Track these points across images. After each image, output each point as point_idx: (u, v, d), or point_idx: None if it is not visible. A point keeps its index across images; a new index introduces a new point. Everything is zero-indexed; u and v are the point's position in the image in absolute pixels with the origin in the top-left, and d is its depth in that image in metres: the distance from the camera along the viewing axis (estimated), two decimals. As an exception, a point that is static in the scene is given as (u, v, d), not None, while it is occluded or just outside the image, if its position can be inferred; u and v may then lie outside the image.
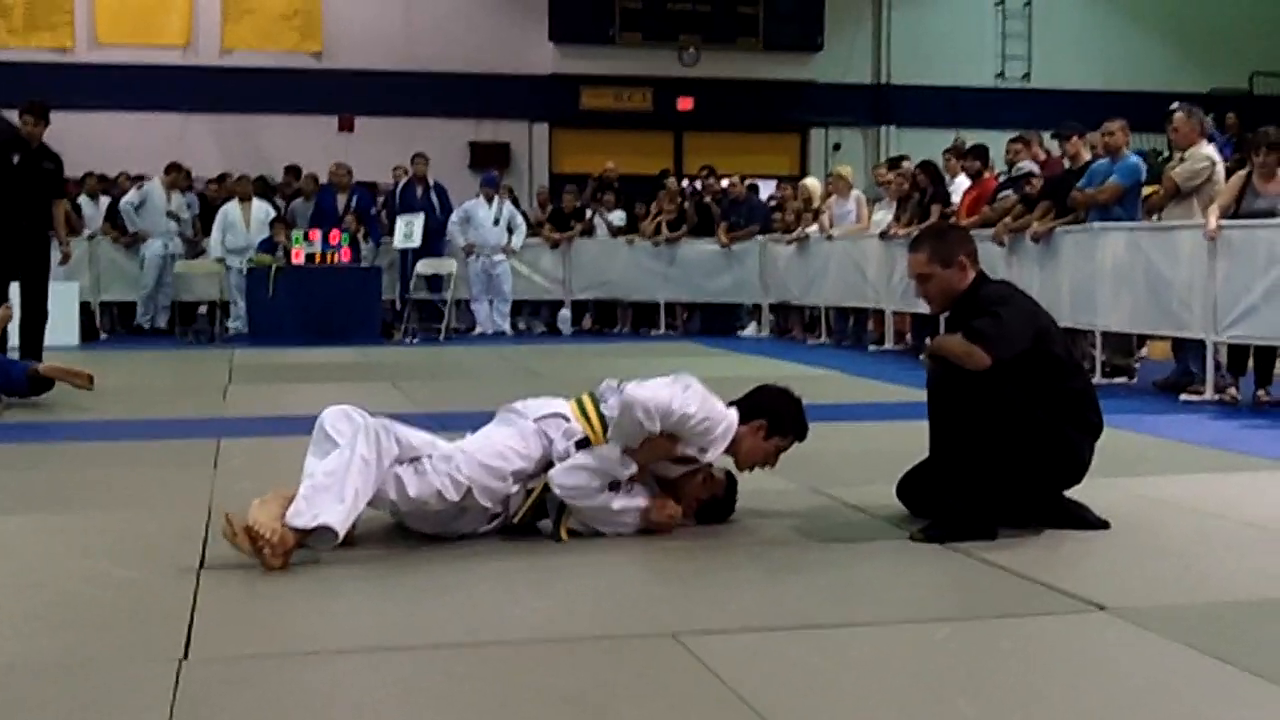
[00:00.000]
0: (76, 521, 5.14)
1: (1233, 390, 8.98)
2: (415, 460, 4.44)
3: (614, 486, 4.61)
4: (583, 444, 4.62)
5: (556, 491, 4.56)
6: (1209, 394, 9.02)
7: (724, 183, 17.21)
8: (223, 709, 2.95)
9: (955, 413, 4.60)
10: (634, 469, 4.62)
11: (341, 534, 4.19)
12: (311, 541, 4.17)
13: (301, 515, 4.16)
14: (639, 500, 4.68)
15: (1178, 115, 9.97)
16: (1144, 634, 3.55)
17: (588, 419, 4.68)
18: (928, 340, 4.94)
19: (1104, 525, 4.78)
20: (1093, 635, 3.57)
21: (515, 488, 4.57)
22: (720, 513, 4.90)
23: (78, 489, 5.85)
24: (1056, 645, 3.49)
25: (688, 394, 4.62)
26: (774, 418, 4.83)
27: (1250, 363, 9.14)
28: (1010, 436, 4.54)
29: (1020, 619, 3.72)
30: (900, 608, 3.86)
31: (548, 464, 4.60)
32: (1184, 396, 9.10)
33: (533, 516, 4.63)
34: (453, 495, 4.43)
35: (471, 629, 3.62)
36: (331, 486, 4.21)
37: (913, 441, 7.12)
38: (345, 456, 4.27)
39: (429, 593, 3.97)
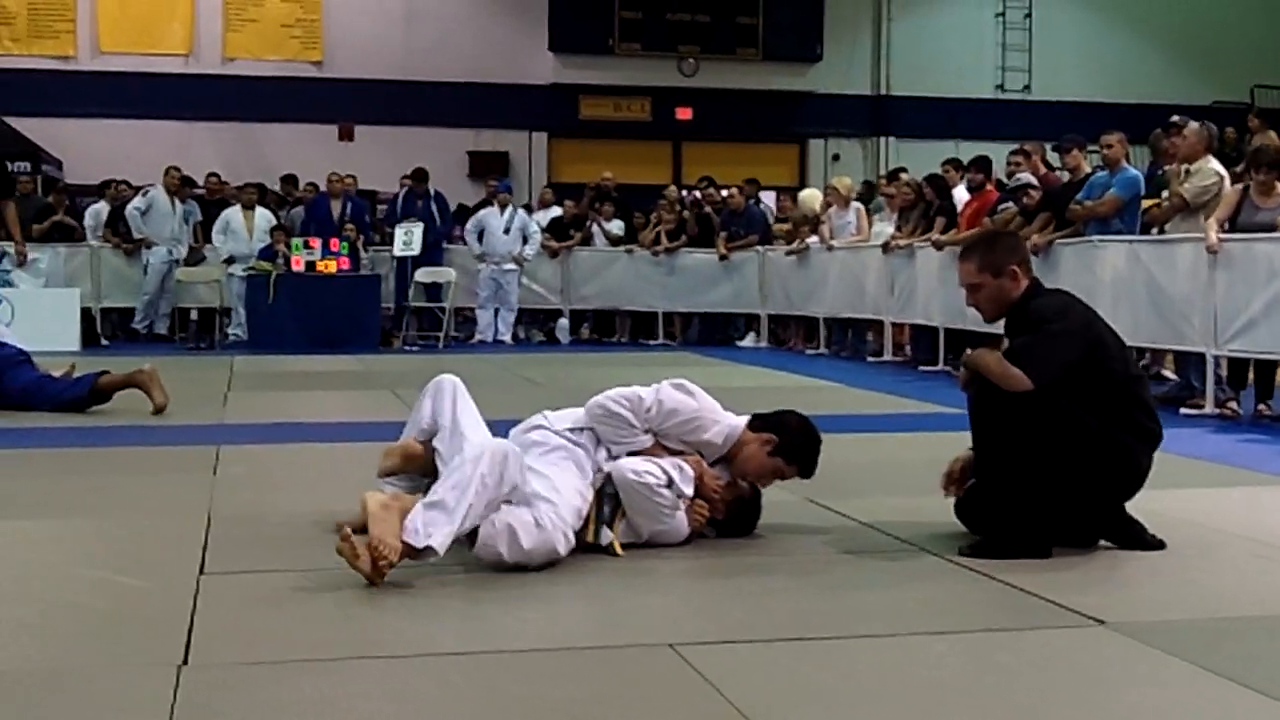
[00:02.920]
0: (75, 527, 5.14)
1: (1233, 404, 8.98)
2: (531, 505, 4.31)
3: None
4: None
5: (629, 476, 4.53)
6: (1209, 408, 9.01)
7: (724, 193, 17.17)
8: (221, 715, 2.95)
9: (1000, 427, 4.52)
10: (690, 490, 4.63)
11: (442, 554, 4.10)
12: (414, 555, 4.09)
13: (417, 535, 4.06)
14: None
15: (1191, 126, 9.91)
16: (1144, 649, 3.55)
17: None
18: (967, 350, 4.81)
19: (1160, 545, 4.69)
20: (1092, 650, 3.57)
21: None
22: (745, 523, 4.87)
23: (77, 495, 5.84)
24: (1055, 660, 3.49)
25: (674, 392, 4.70)
26: (786, 439, 4.80)
27: (1250, 376, 9.14)
28: (1061, 447, 4.44)
29: (1019, 633, 3.72)
30: (899, 620, 3.86)
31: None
32: (1184, 410, 9.09)
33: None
34: (562, 552, 4.35)
35: (468, 638, 3.62)
36: (450, 507, 4.10)
37: (913, 453, 7.15)
38: (468, 474, 4.14)
39: (427, 601, 3.96)
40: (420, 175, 16.84)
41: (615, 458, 4.65)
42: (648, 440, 4.68)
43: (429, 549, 4.06)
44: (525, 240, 16.51)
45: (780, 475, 4.85)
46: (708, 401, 4.81)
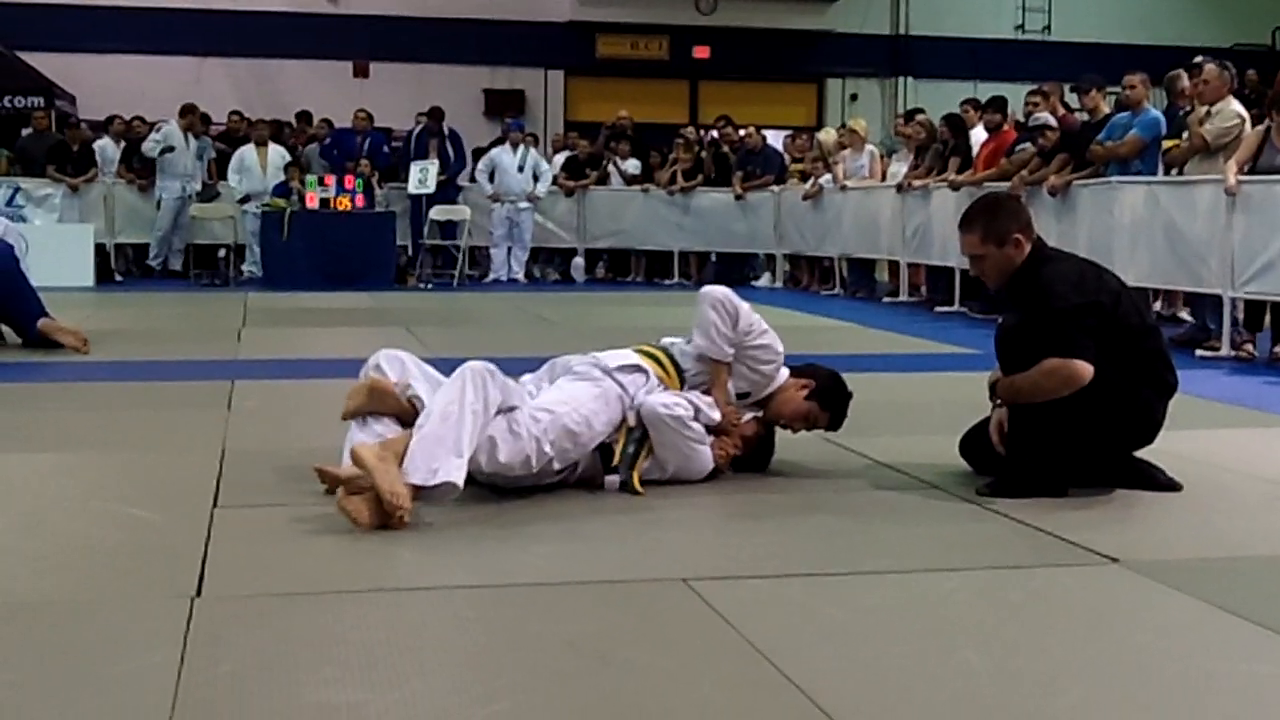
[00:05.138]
0: (88, 461, 5.16)
1: (1249, 346, 8.94)
2: (511, 411, 4.30)
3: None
4: None
5: (660, 410, 4.54)
6: (1225, 350, 8.98)
7: (740, 133, 17.04)
8: (235, 646, 2.96)
9: (1027, 370, 4.50)
10: (718, 416, 4.69)
11: (461, 487, 4.06)
12: (428, 496, 4.04)
13: (419, 471, 4.00)
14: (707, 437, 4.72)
15: (1209, 68, 9.79)
16: (1156, 586, 3.55)
17: (665, 370, 4.74)
18: (993, 380, 4.71)
19: (1176, 487, 4.68)
20: (1104, 587, 3.57)
21: (591, 454, 4.57)
22: (759, 460, 4.93)
23: (90, 429, 5.86)
24: (1067, 597, 3.49)
25: (757, 316, 4.82)
26: (823, 386, 4.92)
27: (1267, 319, 9.10)
28: (1083, 398, 4.40)
29: (1032, 570, 3.72)
30: (911, 557, 3.86)
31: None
32: (1200, 352, 9.06)
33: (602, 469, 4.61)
34: (534, 465, 4.34)
35: (480, 572, 3.63)
36: (445, 438, 4.05)
37: (927, 392, 7.15)
38: (455, 408, 4.10)
39: (439, 536, 3.97)
40: (436, 114, 16.77)
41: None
42: (729, 353, 4.72)
43: (447, 485, 4.01)
44: (536, 179, 16.47)
45: (812, 420, 4.93)
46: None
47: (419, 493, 4.01)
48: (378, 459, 4.03)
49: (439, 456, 4.03)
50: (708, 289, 4.80)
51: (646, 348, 4.84)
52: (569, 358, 4.82)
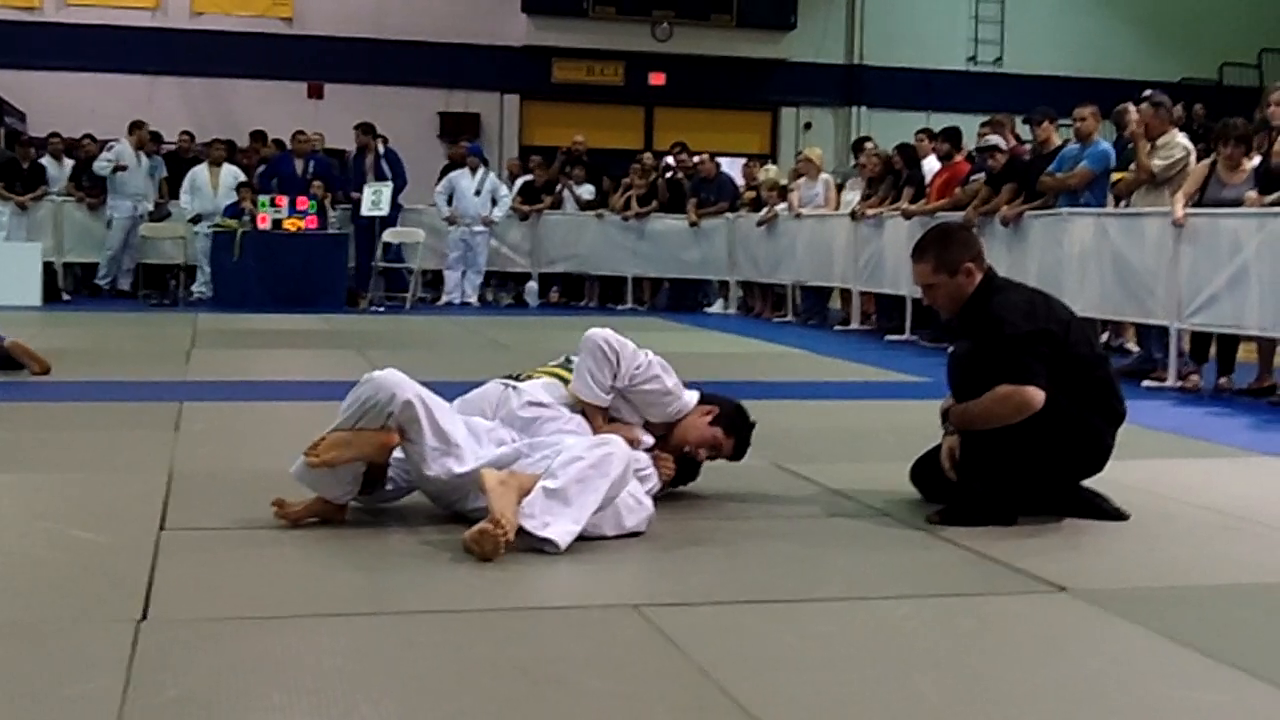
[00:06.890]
0: (34, 482, 5.09)
1: (1195, 377, 9.02)
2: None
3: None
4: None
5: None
6: (1171, 381, 9.06)
7: (694, 159, 17.11)
8: (181, 672, 2.93)
9: (978, 397, 4.52)
10: (650, 439, 4.69)
11: (563, 549, 4.00)
12: (529, 541, 3.99)
13: (533, 519, 3.98)
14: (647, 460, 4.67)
15: (1142, 107, 9.96)
16: (1104, 615, 3.57)
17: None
18: (945, 407, 4.75)
19: (1123, 516, 4.71)
20: (1053, 616, 3.59)
21: None
22: (687, 475, 4.90)
23: (35, 449, 5.79)
24: (1016, 625, 3.51)
25: (659, 363, 4.72)
26: (726, 414, 4.86)
27: (1212, 350, 9.19)
28: (1034, 425, 4.44)
29: (982, 598, 3.73)
30: (863, 584, 3.87)
31: None
32: (1146, 383, 9.13)
33: None
34: (649, 524, 4.38)
35: (431, 597, 3.61)
36: (572, 500, 4.05)
37: (878, 420, 7.17)
38: (595, 478, 4.10)
39: (390, 560, 3.95)
40: (367, 129, 16.36)
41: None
42: (606, 399, 4.64)
43: (551, 544, 3.98)
44: (494, 203, 16.46)
45: (716, 447, 4.84)
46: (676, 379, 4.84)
47: (523, 535, 3.97)
48: (499, 484, 4.04)
49: (558, 515, 4.03)
50: (590, 332, 4.69)
51: (560, 372, 4.83)
52: (505, 395, 4.68)
